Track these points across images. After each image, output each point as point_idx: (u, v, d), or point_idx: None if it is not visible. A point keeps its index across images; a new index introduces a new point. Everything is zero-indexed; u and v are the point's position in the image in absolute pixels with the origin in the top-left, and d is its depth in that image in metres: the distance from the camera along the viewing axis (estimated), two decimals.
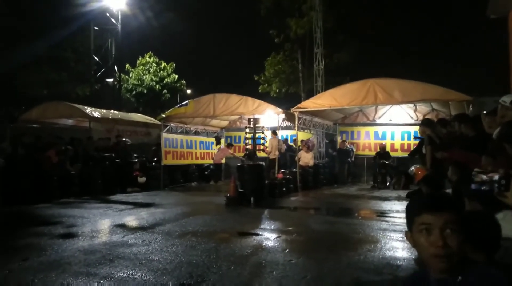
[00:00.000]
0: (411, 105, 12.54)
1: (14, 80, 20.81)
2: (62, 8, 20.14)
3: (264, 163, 10.11)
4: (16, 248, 4.84)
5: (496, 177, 1.50)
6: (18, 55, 19.41)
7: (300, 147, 12.72)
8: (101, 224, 6.55)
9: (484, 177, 1.53)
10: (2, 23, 18.84)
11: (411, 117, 13.75)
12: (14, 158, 9.14)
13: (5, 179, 8.62)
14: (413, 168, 5.37)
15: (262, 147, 11.57)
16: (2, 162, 8.96)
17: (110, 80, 22.42)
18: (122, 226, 6.28)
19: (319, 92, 16.63)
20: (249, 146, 11.45)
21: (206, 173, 15.16)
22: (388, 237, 5.35)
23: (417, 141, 8.05)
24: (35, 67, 21.11)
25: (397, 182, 12.48)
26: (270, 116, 12.18)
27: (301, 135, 13.57)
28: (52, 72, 21.93)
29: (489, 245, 1.64)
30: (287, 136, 15.28)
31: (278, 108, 11.96)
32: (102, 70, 21.83)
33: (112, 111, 14.91)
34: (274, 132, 12.97)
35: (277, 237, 5.49)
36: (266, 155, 12.72)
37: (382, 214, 7.63)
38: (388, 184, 12.87)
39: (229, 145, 14.84)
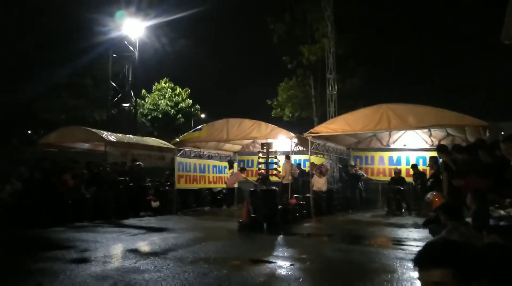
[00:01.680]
0: (426, 130, 12.42)
1: (32, 105, 21.49)
2: (84, 37, 20.99)
3: (277, 188, 10.03)
4: (30, 272, 4.87)
5: None
6: (39, 83, 20.12)
7: (313, 172, 12.63)
8: (113, 249, 6.56)
9: (502, 212, 1.50)
10: (23, 51, 19.67)
11: (426, 142, 13.57)
12: (31, 182, 9.33)
13: (22, 202, 8.78)
14: (429, 195, 5.28)
15: (275, 171, 11.52)
16: (19, 185, 9.15)
17: (127, 105, 22.91)
18: (135, 251, 6.27)
19: (332, 117, 16.62)
20: (262, 171, 11.42)
21: (218, 197, 15.11)
22: (405, 266, 5.18)
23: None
24: (54, 93, 21.79)
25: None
26: (283, 141, 12.19)
27: (314, 160, 13.50)
28: (70, 97, 22.59)
29: (508, 280, 1.59)
30: (300, 160, 15.21)
31: (290, 132, 12.00)
32: (119, 96, 22.34)
33: (127, 135, 15.16)
34: (287, 157, 12.94)
35: (291, 265, 5.39)
36: (279, 180, 12.65)
37: (398, 242, 7.42)
38: (403, 210, 12.58)
39: (242, 170, 14.83)
